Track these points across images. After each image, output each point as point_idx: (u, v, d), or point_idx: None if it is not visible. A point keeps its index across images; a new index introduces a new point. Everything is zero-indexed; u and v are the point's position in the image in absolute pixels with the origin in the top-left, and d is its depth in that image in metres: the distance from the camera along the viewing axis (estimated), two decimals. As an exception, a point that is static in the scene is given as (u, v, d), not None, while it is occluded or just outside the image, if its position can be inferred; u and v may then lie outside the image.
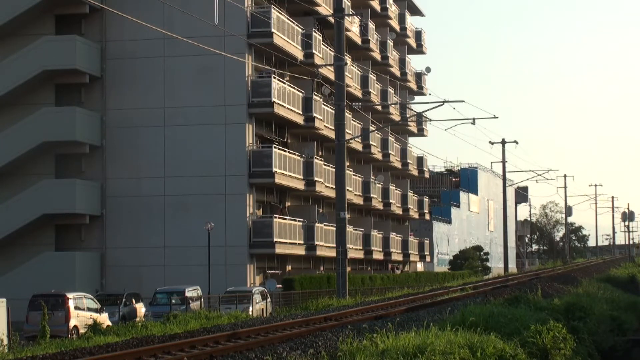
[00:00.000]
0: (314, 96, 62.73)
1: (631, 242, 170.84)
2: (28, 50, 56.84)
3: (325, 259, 67.61)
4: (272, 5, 59.22)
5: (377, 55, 79.93)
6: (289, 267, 63.15)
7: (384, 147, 79.79)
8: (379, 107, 78.50)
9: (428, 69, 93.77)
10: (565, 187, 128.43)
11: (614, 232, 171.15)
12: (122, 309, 46.05)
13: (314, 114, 62.63)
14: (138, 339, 26.48)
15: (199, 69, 57.47)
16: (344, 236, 50.31)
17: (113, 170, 58.28)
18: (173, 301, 46.30)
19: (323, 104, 64.72)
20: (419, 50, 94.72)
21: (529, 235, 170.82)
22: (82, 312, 40.25)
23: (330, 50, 64.72)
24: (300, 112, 61.68)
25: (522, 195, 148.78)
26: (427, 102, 79.19)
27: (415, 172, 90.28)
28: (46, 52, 56.71)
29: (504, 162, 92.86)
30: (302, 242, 61.23)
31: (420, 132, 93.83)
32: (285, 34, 59.42)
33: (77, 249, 57.61)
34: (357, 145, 72.29)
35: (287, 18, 60.44)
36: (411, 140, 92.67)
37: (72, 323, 39.34)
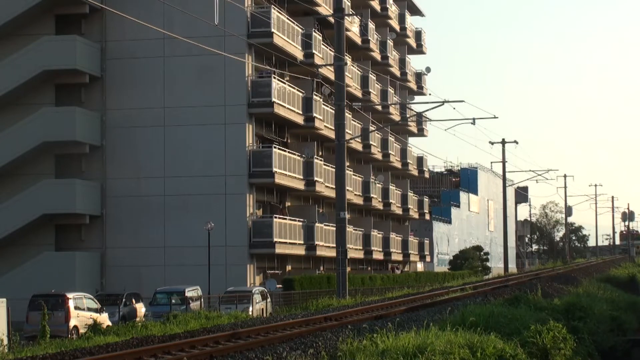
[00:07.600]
0: (314, 96, 62.72)
1: (631, 241, 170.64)
2: (28, 50, 56.85)
3: (325, 259, 67.59)
4: (272, 5, 59.21)
5: (377, 55, 79.92)
6: (289, 267, 63.13)
7: (384, 147, 79.78)
8: (379, 107, 78.49)
9: (428, 69, 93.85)
10: (565, 187, 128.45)
11: (613, 232, 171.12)
12: (122, 309, 46.04)
13: (314, 114, 62.63)
14: (138, 339, 26.47)
15: (198, 69, 57.47)
16: (344, 236, 50.28)
17: (113, 170, 58.28)
18: (173, 301, 46.27)
19: (323, 104, 64.71)
20: (419, 50, 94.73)
21: (529, 235, 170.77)
22: (82, 312, 40.24)
23: (330, 50, 64.71)
24: (300, 112, 61.68)
25: (522, 195, 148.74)
26: (427, 102, 79.02)
27: (415, 172, 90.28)
28: (46, 52, 56.71)
29: (504, 162, 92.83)
30: (302, 242, 61.23)
31: (420, 132, 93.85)
32: (285, 34, 59.42)
33: (77, 249, 57.61)
34: (357, 145, 72.28)
35: (287, 18, 60.44)
36: (411, 140, 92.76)
37: (72, 323, 39.34)
